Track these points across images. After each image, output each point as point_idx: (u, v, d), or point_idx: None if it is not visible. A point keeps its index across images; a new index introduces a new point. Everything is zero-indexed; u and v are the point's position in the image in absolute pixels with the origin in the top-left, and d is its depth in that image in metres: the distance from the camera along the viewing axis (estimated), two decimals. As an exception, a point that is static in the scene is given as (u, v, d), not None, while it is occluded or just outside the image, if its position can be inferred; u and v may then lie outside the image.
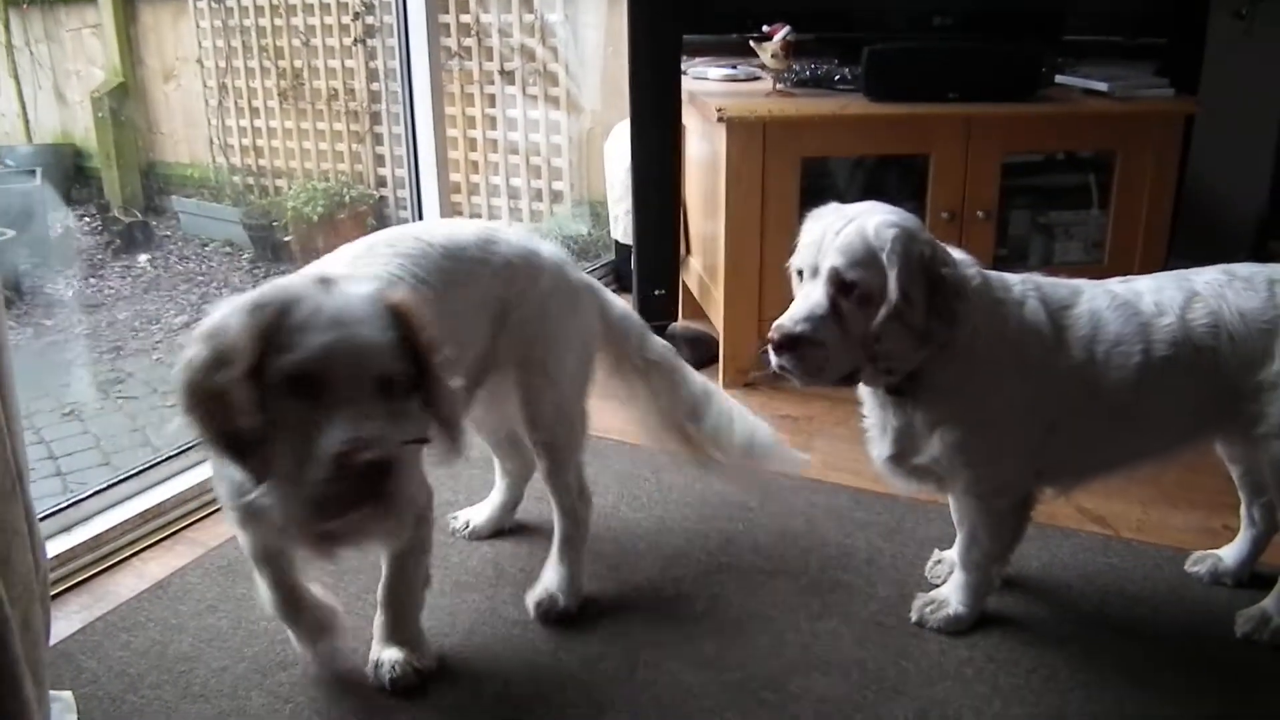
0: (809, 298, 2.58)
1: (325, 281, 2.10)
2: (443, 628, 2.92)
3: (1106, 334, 2.72)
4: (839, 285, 2.55)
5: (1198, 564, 3.24)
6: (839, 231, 2.58)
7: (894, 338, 2.57)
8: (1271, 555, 3.08)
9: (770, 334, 2.58)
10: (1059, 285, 2.80)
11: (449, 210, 4.56)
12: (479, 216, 6.96)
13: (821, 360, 2.57)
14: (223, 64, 7.25)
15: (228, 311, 2.05)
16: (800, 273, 2.65)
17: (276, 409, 1.99)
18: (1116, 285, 2.82)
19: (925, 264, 2.60)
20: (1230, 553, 3.21)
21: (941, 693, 2.72)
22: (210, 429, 2.01)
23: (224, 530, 3.38)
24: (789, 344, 2.55)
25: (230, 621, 2.97)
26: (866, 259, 2.56)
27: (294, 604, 2.68)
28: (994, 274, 2.74)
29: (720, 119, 4.17)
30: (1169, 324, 2.71)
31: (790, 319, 2.56)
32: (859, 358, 2.60)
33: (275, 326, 1.99)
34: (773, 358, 2.59)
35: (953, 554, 3.06)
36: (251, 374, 1.97)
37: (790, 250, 2.72)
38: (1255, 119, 5.63)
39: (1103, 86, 4.72)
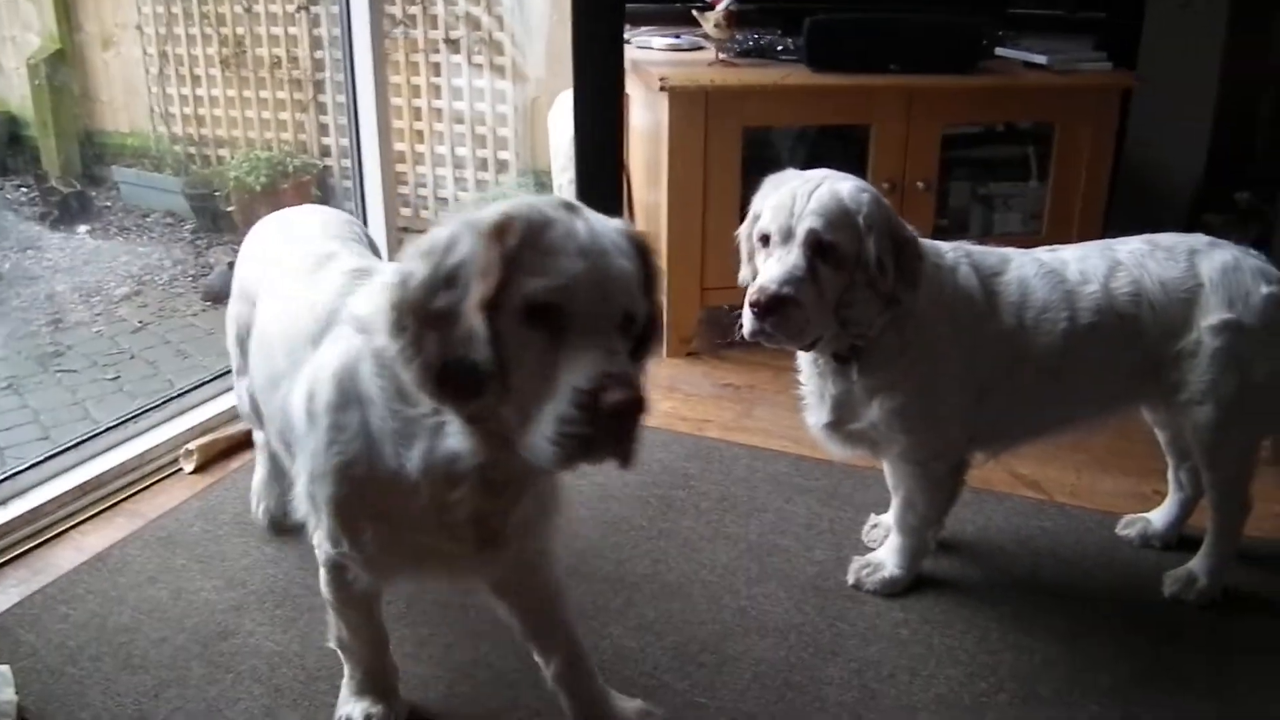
0: (786, 260, 2.58)
1: (571, 206, 1.86)
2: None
3: (1034, 301, 2.76)
4: (816, 247, 2.57)
5: (1128, 527, 3.30)
6: (810, 195, 2.60)
7: (864, 301, 2.60)
8: (1198, 518, 3.13)
9: (751, 297, 2.58)
10: (989, 253, 2.84)
11: (391, 180, 4.53)
12: (423, 186, 6.94)
13: (803, 322, 2.59)
14: (163, 31, 7.17)
15: (457, 228, 1.82)
16: (765, 238, 2.65)
17: (509, 340, 1.75)
18: (1043, 254, 2.87)
19: (893, 228, 2.64)
20: (1159, 516, 3.28)
21: (877, 654, 2.77)
22: (423, 358, 1.78)
23: (163, 502, 3.42)
24: (774, 305, 2.55)
25: (170, 593, 2.97)
26: (842, 221, 2.59)
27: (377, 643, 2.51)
28: (926, 241, 2.78)
29: (663, 88, 4.18)
30: (1093, 292, 2.76)
31: (773, 281, 2.56)
32: (830, 321, 2.63)
33: (521, 248, 1.76)
34: (749, 323, 2.59)
35: (889, 518, 3.10)
36: (487, 304, 1.75)
37: (737, 219, 2.75)
38: (1192, 93, 5.69)
39: (1042, 59, 4.76)
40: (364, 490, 2.06)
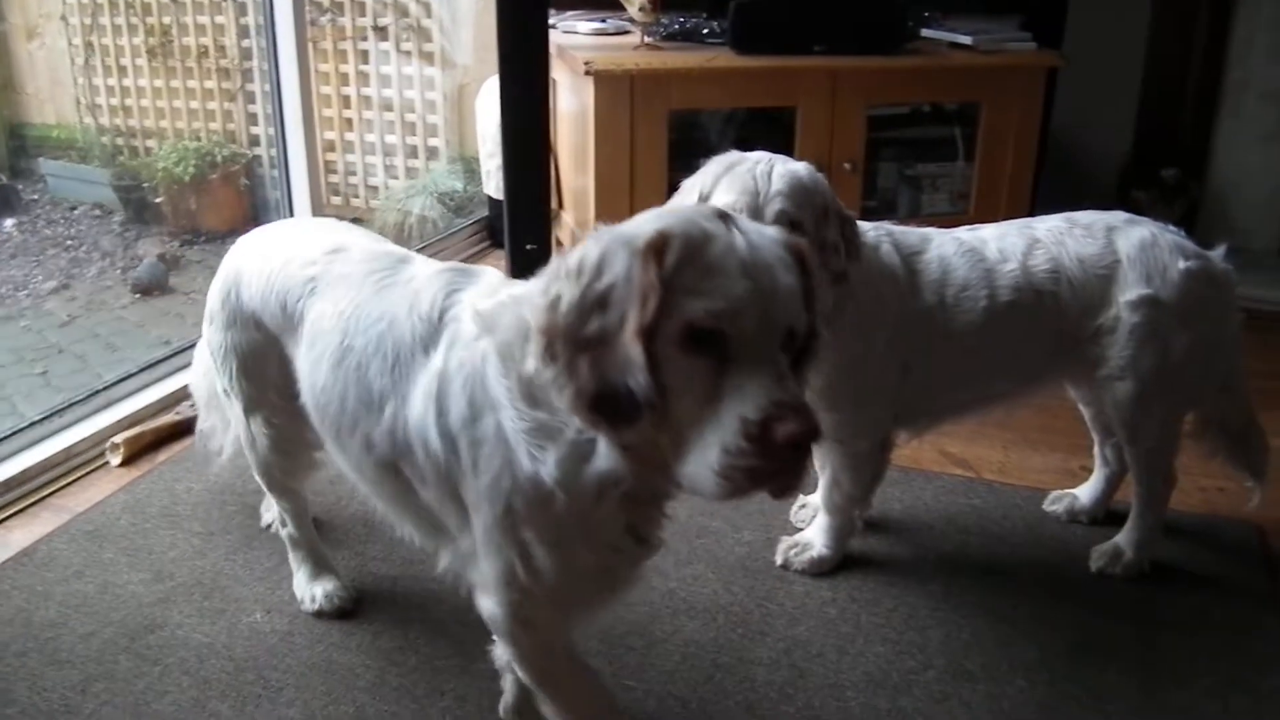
0: None
1: (725, 216, 1.73)
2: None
3: (955, 279, 2.77)
4: (788, 228, 2.55)
5: (1055, 503, 3.34)
6: (771, 175, 2.60)
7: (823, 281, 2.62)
8: (1124, 493, 3.17)
9: None
10: (909, 232, 2.85)
11: (317, 168, 4.50)
12: (353, 174, 6.90)
13: None
14: (88, 21, 7.07)
15: (609, 245, 1.68)
16: None
17: (668, 367, 1.62)
18: (963, 233, 2.88)
19: (839, 206, 2.66)
20: (1086, 492, 3.31)
21: (805, 633, 2.78)
22: (577, 385, 1.65)
23: (90, 496, 3.39)
24: None
25: (97, 587, 2.94)
26: (805, 200, 2.58)
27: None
28: None
29: (588, 72, 4.18)
30: (1012, 270, 2.78)
31: None
32: None
33: (679, 267, 1.63)
34: None
35: (816, 498, 3.11)
36: (646, 334, 1.61)
37: (664, 202, 2.74)
38: (1118, 71, 5.74)
39: (968, 40, 4.80)
40: (517, 505, 1.92)
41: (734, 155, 2.67)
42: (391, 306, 2.16)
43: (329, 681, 2.61)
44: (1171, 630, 2.86)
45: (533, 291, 1.77)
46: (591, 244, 1.70)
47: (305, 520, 2.87)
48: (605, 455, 1.81)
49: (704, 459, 1.62)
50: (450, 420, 1.97)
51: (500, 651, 2.24)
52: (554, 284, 1.70)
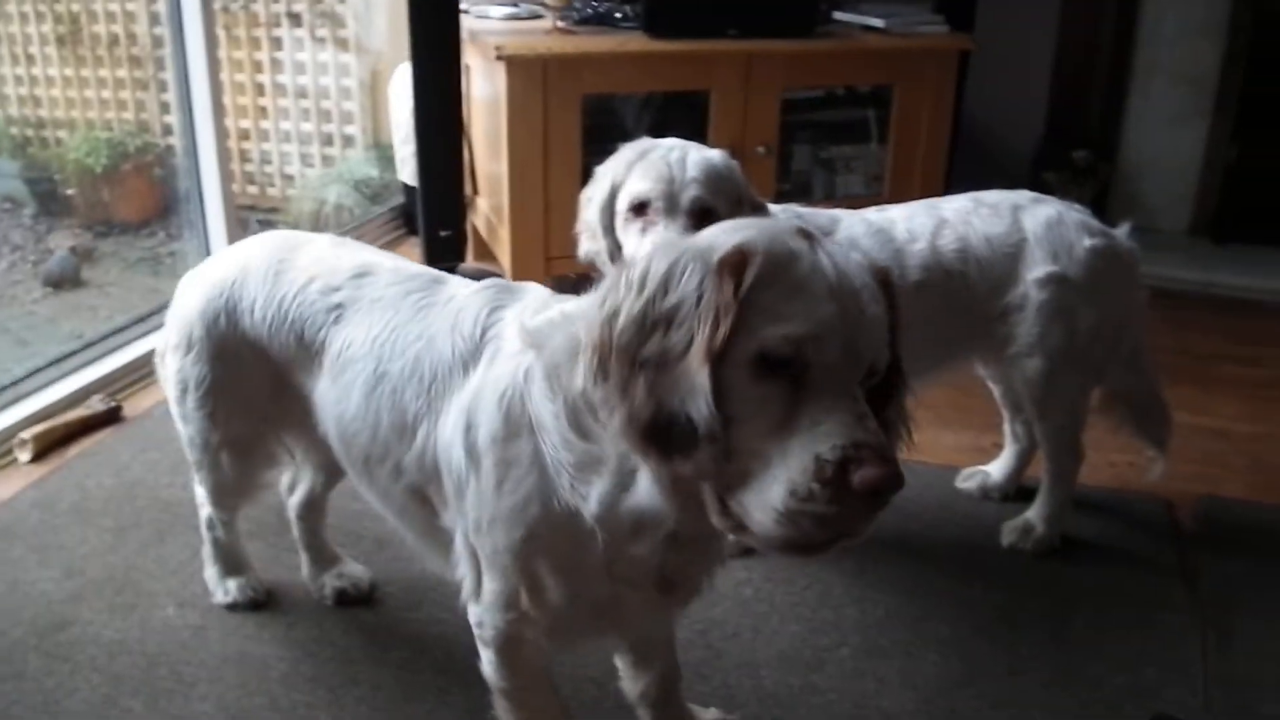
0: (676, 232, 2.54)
1: (808, 234, 1.57)
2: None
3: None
4: (702, 216, 2.54)
5: (967, 480, 3.38)
6: (685, 162, 2.60)
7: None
8: (1036, 469, 3.22)
9: None
10: (818, 214, 2.87)
11: (226, 157, 4.45)
12: (269, 163, 6.83)
13: None
14: (-7, 9, 6.96)
15: (679, 256, 1.54)
16: (639, 208, 2.63)
17: (734, 395, 1.47)
18: (872, 214, 2.91)
19: (750, 193, 2.68)
20: (997, 468, 3.35)
21: (721, 613, 2.79)
22: (629, 409, 1.51)
23: (-1, 493, 3.31)
24: None
25: (5, 585, 2.89)
26: (719, 188, 2.60)
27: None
28: None
29: (499, 57, 4.15)
30: (920, 250, 2.81)
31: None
32: None
33: (758, 287, 1.48)
34: None
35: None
36: (713, 357, 1.47)
37: (579, 188, 2.75)
38: (1030, 54, 5.81)
39: (880, 23, 4.82)
40: (541, 533, 1.81)
41: (646, 142, 2.68)
42: (430, 327, 2.05)
43: (243, 674, 2.59)
44: (1082, 604, 2.91)
45: (587, 307, 1.65)
46: (660, 255, 1.57)
47: (235, 526, 2.82)
48: (648, 491, 1.67)
49: (766, 499, 1.47)
50: (478, 435, 1.86)
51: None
52: (613, 295, 1.56)
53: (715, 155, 2.65)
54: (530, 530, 1.81)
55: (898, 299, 1.62)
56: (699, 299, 1.49)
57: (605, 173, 2.70)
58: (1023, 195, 2.93)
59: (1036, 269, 2.81)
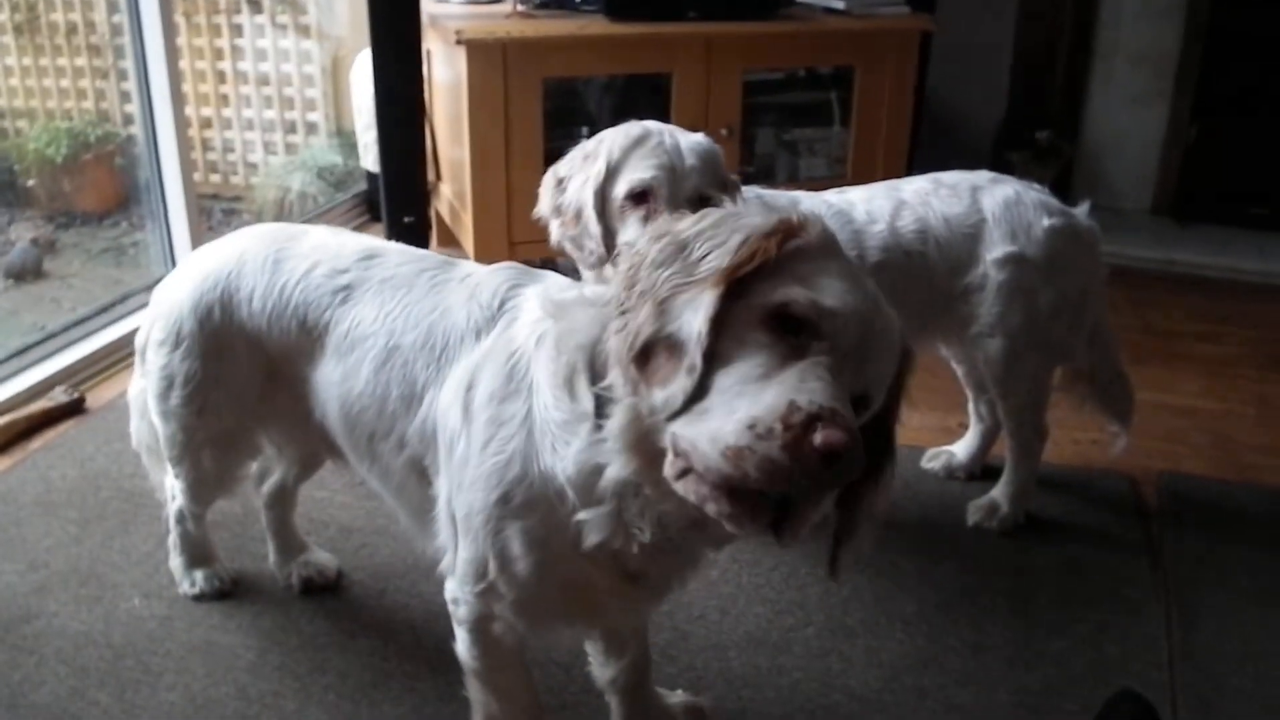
0: None
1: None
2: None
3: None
4: (702, 203, 2.49)
5: (932, 460, 3.40)
6: (680, 150, 2.61)
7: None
8: (1001, 448, 3.23)
9: None
10: (778, 195, 2.88)
11: (185, 146, 4.42)
12: (232, 151, 6.80)
13: None
14: (-53, -1, 6.89)
15: (742, 207, 1.58)
16: (638, 196, 2.61)
17: (734, 332, 1.47)
18: (832, 196, 2.91)
19: (728, 174, 2.70)
20: (962, 448, 3.37)
21: (687, 596, 2.78)
22: (636, 324, 1.51)
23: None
24: None
25: (-32, 578, 2.88)
26: (714, 174, 2.63)
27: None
28: None
29: (459, 41, 4.14)
30: (880, 231, 2.82)
31: None
32: None
33: (803, 256, 1.51)
34: None
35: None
36: (731, 280, 1.47)
37: (542, 172, 2.75)
38: (992, 34, 5.83)
39: (840, 4, 4.82)
40: (515, 496, 1.79)
41: (636, 127, 2.67)
42: (446, 299, 2.05)
43: (209, 663, 2.59)
44: (1047, 581, 2.93)
45: (613, 294, 1.61)
46: (725, 205, 1.61)
47: (204, 518, 2.80)
48: (613, 451, 1.62)
49: (720, 430, 1.42)
50: (476, 393, 1.86)
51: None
52: (670, 224, 1.60)
53: (704, 140, 2.67)
54: (506, 491, 1.79)
55: (912, 360, 1.63)
56: (744, 239, 1.51)
57: (591, 154, 2.67)
58: (981, 176, 2.94)
59: (995, 249, 2.83)
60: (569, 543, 1.77)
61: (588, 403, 1.67)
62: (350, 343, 2.14)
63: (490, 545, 1.85)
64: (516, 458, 1.78)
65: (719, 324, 1.46)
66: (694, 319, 1.47)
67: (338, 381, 2.16)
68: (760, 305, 1.47)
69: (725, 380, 1.45)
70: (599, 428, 1.65)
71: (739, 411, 1.41)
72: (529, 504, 1.79)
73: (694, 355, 1.46)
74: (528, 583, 1.85)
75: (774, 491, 1.40)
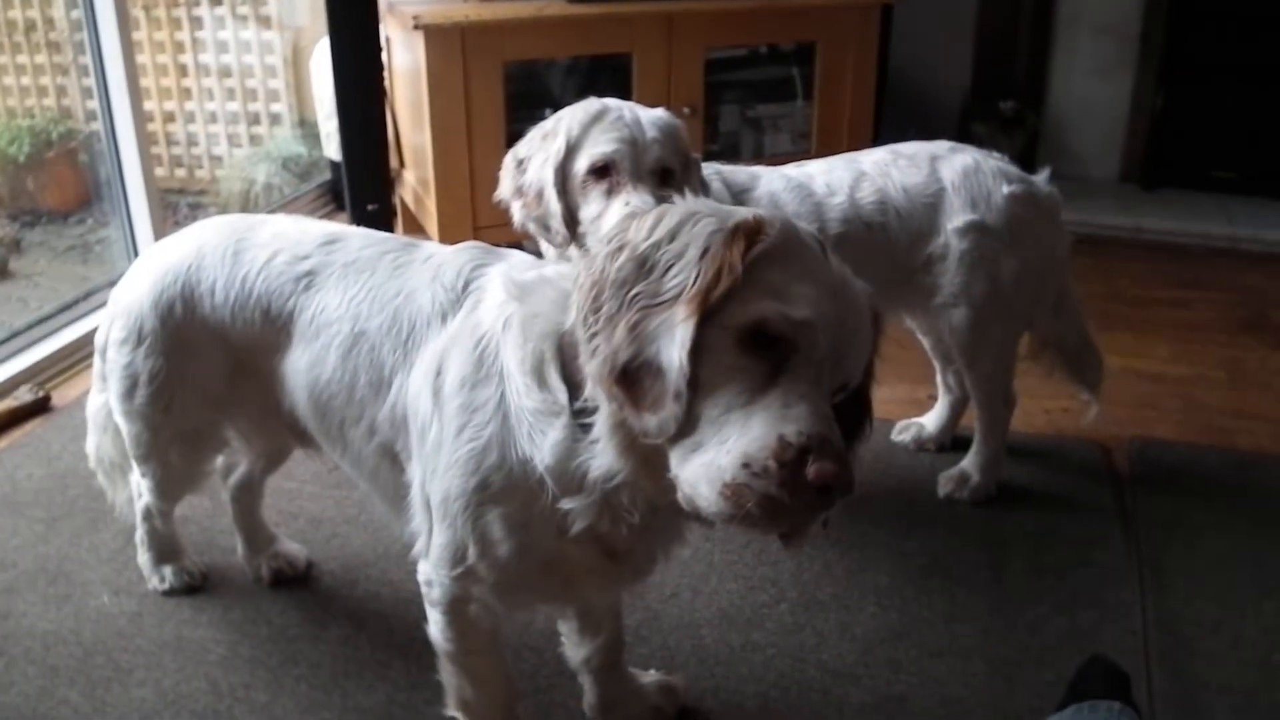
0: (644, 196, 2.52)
1: (816, 237, 1.59)
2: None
3: (784, 214, 2.79)
4: (664, 176, 2.56)
5: (902, 432, 3.40)
6: (641, 123, 2.59)
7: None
8: (970, 419, 3.23)
9: None
10: (737, 171, 2.87)
11: (145, 140, 4.38)
12: (196, 145, 6.76)
13: None
14: (-98, -3, 6.83)
15: (695, 211, 1.54)
16: (600, 171, 2.58)
17: (713, 358, 1.46)
18: (791, 169, 2.91)
19: (690, 150, 2.68)
20: (931, 419, 3.37)
21: (659, 574, 2.68)
22: (612, 348, 1.49)
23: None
24: None
25: (-63, 577, 2.85)
26: (676, 147, 2.61)
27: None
28: None
29: (417, 27, 4.12)
30: (840, 203, 2.81)
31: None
32: None
33: (766, 261, 1.48)
34: None
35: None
36: (704, 308, 1.45)
37: (504, 155, 2.73)
38: (954, 7, 5.82)
39: (801, -21, 4.81)
40: (494, 482, 1.77)
41: (595, 104, 2.65)
42: (409, 282, 2.03)
43: (180, 659, 2.57)
44: (1019, 550, 2.94)
45: (576, 271, 1.62)
46: (676, 208, 1.57)
47: (172, 516, 2.78)
48: (604, 451, 1.63)
49: (713, 467, 1.44)
50: (446, 379, 1.84)
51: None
52: (621, 234, 1.56)
53: (664, 114, 2.65)
54: (484, 478, 1.78)
55: (882, 331, 1.64)
56: (705, 251, 1.48)
57: (550, 131, 2.65)
58: (940, 145, 2.94)
59: (956, 218, 2.82)
60: (551, 526, 1.76)
61: (561, 394, 1.66)
62: (316, 329, 2.12)
63: (470, 530, 1.83)
64: (493, 444, 1.77)
65: (699, 350, 1.45)
66: (671, 348, 1.46)
67: (305, 369, 2.14)
68: (735, 326, 1.46)
69: (711, 409, 1.46)
70: (580, 425, 1.66)
71: (729, 444, 1.43)
72: (508, 489, 1.77)
73: (679, 384, 1.45)
74: (508, 565, 1.84)
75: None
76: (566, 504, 1.72)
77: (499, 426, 1.76)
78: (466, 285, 1.94)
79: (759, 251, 1.48)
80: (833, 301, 1.48)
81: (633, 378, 1.48)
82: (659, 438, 1.50)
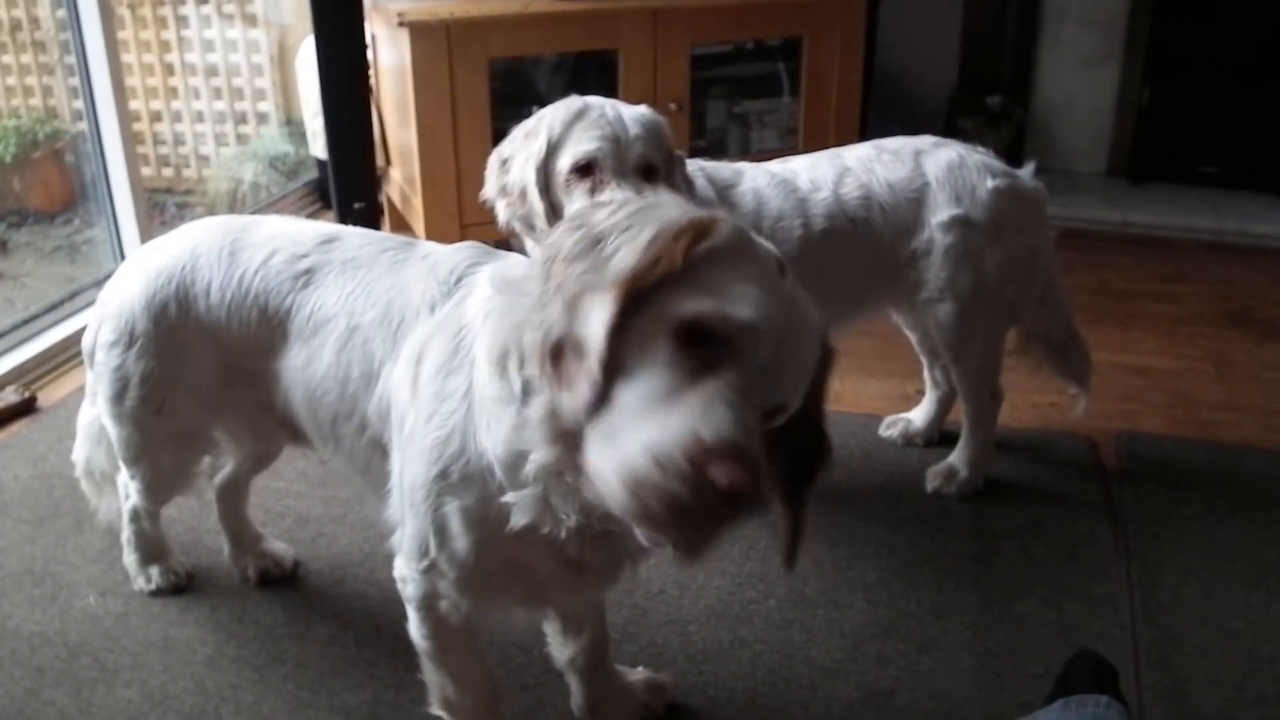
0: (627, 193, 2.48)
1: (779, 259, 1.54)
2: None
3: (769, 210, 2.79)
4: (646, 172, 2.56)
5: (890, 428, 3.40)
6: (623, 121, 2.58)
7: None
8: (958, 413, 3.24)
9: None
10: (721, 167, 2.87)
11: (131, 139, 4.37)
12: (182, 145, 6.74)
13: None
14: (-113, -2, 6.81)
15: (659, 203, 1.53)
16: (583, 169, 2.58)
17: (640, 346, 1.42)
18: (775, 165, 2.91)
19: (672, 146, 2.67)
20: (919, 414, 3.38)
21: (646, 572, 2.78)
22: (547, 319, 1.46)
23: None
24: None
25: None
26: (659, 144, 2.60)
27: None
28: None
29: (402, 24, 4.11)
30: (824, 198, 2.81)
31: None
32: None
33: (714, 260, 1.45)
34: None
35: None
36: (633, 290, 1.42)
37: (490, 152, 2.72)
38: (941, 2, 5.82)
39: (785, -26, 4.80)
40: (454, 471, 1.77)
41: (576, 102, 2.64)
42: (404, 276, 2.03)
43: (166, 659, 2.56)
44: (1007, 544, 2.94)
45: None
46: (644, 197, 1.57)
47: (159, 517, 2.77)
48: (535, 438, 1.59)
49: (625, 455, 1.39)
50: (424, 367, 1.84)
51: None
52: (585, 214, 1.55)
53: (647, 111, 2.64)
54: (445, 467, 1.78)
55: (831, 363, 1.60)
56: (652, 237, 1.45)
57: (532, 130, 2.65)
58: (924, 140, 2.94)
59: (940, 212, 2.82)
60: (503, 522, 1.73)
61: (517, 385, 1.63)
62: (313, 326, 2.12)
63: (430, 521, 1.84)
64: (456, 433, 1.77)
65: (624, 332, 1.41)
66: (593, 322, 1.43)
67: (300, 367, 2.14)
68: (669, 317, 1.41)
69: (630, 397, 1.41)
70: (522, 409, 1.63)
71: (641, 441, 1.38)
72: (465, 480, 1.77)
73: (592, 366, 1.41)
74: (466, 561, 1.84)
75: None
76: (508, 497, 1.70)
77: (464, 415, 1.76)
78: (459, 280, 1.94)
79: (705, 249, 1.45)
80: (777, 311, 1.44)
81: (563, 355, 1.46)
82: (572, 420, 1.47)
